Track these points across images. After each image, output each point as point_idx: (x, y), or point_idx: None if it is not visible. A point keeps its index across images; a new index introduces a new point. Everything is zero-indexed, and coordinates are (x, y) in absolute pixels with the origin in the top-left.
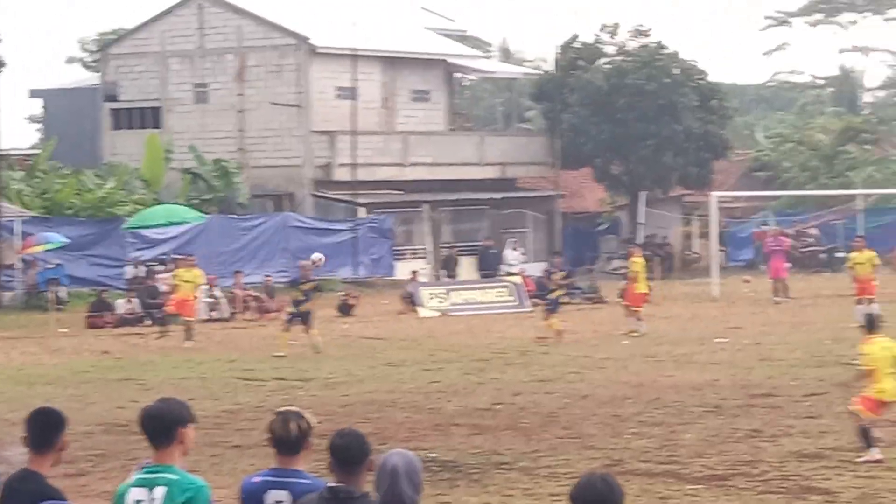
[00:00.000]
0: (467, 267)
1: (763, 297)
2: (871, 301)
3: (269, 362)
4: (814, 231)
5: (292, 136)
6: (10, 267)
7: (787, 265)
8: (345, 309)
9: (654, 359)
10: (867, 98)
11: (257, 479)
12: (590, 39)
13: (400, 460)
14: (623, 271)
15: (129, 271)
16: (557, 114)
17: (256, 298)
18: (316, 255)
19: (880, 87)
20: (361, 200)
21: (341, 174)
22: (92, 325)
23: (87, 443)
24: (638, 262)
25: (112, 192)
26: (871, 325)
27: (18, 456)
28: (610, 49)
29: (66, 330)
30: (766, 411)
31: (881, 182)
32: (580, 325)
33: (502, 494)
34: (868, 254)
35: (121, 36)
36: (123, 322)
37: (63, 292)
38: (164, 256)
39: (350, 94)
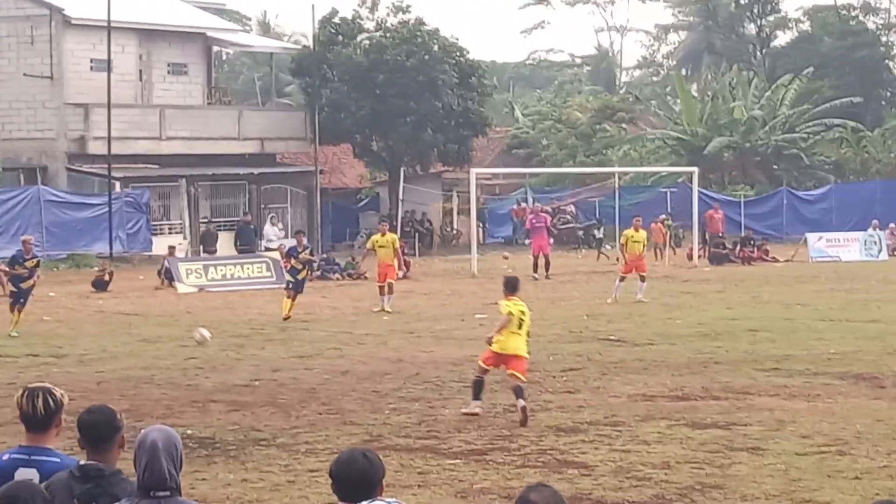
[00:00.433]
0: (226, 242)
1: (522, 273)
2: (643, 278)
3: (20, 338)
4: (571, 208)
5: (45, 108)
6: None
7: (550, 241)
8: (100, 284)
9: (414, 335)
10: (624, 77)
11: (6, 457)
12: (349, 15)
13: (159, 436)
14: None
15: None
16: (317, 89)
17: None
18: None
19: (636, 67)
20: (117, 174)
21: (96, 147)
22: None
23: None
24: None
25: None
26: (513, 287)
27: None
28: (369, 25)
29: None
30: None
31: (637, 160)
32: (340, 300)
33: (261, 471)
34: (644, 233)
35: None
36: None
37: None
38: None
39: (105, 66)
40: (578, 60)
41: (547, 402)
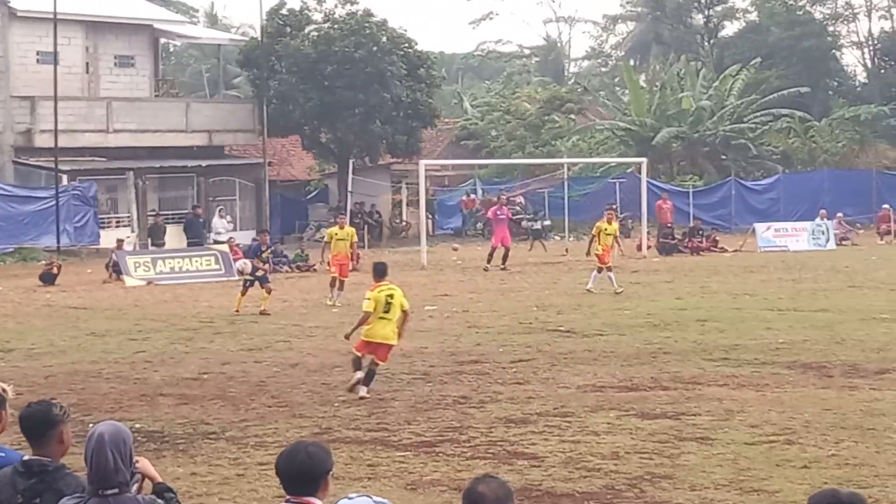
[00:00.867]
0: (174, 235)
1: (471, 264)
2: (609, 268)
3: None
4: (520, 199)
5: None
6: None
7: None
8: (48, 278)
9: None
10: (572, 68)
11: None
12: (297, 6)
13: (106, 430)
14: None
15: None
16: (265, 81)
17: None
18: None
19: (585, 58)
20: (64, 167)
21: (43, 140)
22: None
23: None
24: (349, 231)
25: None
26: (381, 272)
27: None
28: (317, 16)
29: None
30: (474, 378)
31: (585, 151)
32: (289, 293)
33: (210, 464)
34: (616, 225)
35: None
36: None
37: None
38: None
39: (51, 58)
40: (527, 51)
41: (496, 393)
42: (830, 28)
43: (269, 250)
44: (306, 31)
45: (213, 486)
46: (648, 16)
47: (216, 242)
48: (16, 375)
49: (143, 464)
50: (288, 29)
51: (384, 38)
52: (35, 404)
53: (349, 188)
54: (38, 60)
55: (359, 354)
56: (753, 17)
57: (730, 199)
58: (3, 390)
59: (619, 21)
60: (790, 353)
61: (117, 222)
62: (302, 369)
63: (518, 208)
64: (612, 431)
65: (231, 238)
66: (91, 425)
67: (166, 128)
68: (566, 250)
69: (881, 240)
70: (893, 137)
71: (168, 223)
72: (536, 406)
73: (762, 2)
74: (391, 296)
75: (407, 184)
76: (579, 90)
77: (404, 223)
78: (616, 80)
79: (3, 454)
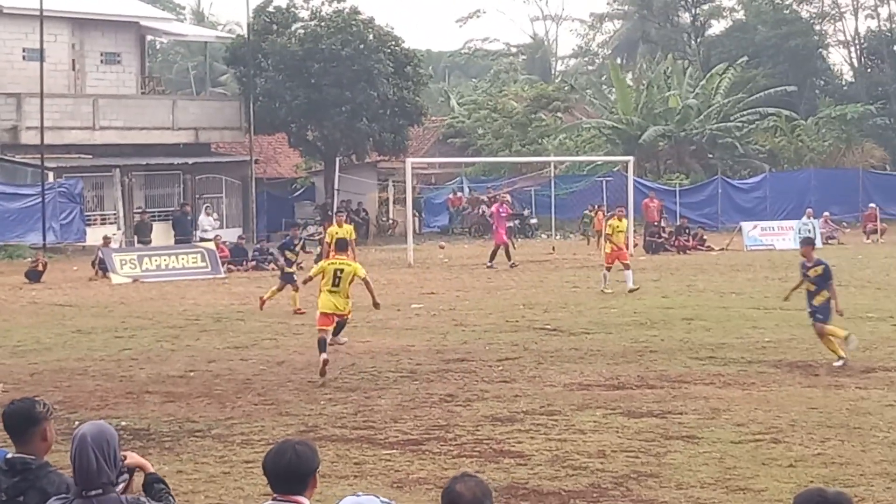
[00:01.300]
0: (161, 232)
1: (458, 262)
2: (626, 266)
3: None
4: (507, 198)
5: None
6: None
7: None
8: (33, 275)
9: (350, 325)
10: (559, 66)
11: None
12: (284, 4)
13: (90, 430)
14: (320, 237)
15: None
16: (251, 79)
17: None
18: None
19: (571, 56)
20: (50, 165)
21: (29, 137)
22: None
23: None
24: (347, 229)
25: None
26: (340, 247)
27: None
28: (304, 14)
29: None
30: (460, 376)
31: (572, 149)
32: None
33: (196, 462)
34: (626, 222)
35: None
36: None
37: None
38: None
39: (38, 55)
40: (514, 49)
41: (483, 391)
42: (817, 27)
43: (301, 243)
44: (293, 28)
45: (200, 483)
46: (635, 14)
47: (202, 240)
48: (1, 373)
49: (132, 457)
50: (275, 26)
51: (371, 36)
52: (18, 402)
53: (336, 186)
54: (24, 57)
55: (324, 331)
56: (740, 15)
57: (716, 197)
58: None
59: (607, 19)
60: (776, 351)
61: (103, 220)
62: (288, 367)
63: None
64: (599, 430)
65: (217, 236)
66: (77, 423)
67: (153, 125)
68: (553, 248)
69: (867, 239)
70: (880, 136)
71: (154, 220)
72: (523, 404)
73: (749, 0)
74: (341, 269)
75: (394, 182)
76: (566, 88)
77: (391, 221)
78: (603, 78)
79: None
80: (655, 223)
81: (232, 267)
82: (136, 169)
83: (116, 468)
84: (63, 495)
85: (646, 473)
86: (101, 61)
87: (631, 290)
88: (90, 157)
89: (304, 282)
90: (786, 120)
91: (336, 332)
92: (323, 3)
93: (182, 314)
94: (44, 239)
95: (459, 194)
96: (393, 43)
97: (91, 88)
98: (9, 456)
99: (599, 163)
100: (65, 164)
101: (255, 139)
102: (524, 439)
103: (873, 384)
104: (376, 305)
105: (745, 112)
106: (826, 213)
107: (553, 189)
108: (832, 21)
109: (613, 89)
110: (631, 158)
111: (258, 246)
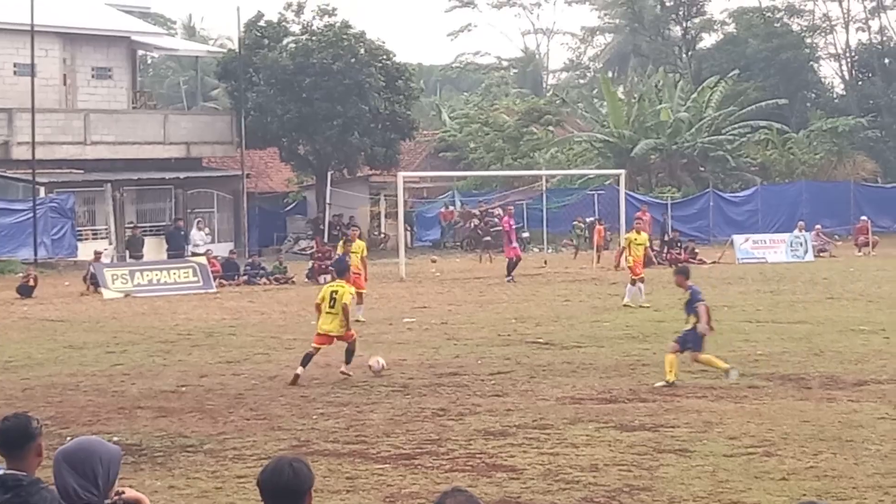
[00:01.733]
0: (153, 247)
1: (450, 276)
2: (641, 279)
3: None
4: (499, 211)
5: None
6: None
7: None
8: (25, 290)
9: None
10: (550, 80)
11: None
12: (275, 18)
13: (69, 447)
14: (311, 251)
15: None
16: (243, 93)
17: None
18: None
19: (563, 69)
20: (42, 180)
21: (20, 153)
22: None
23: None
24: (359, 245)
25: None
26: (338, 272)
27: None
28: (295, 28)
29: None
30: (452, 390)
31: (564, 163)
32: (267, 305)
33: (188, 477)
34: (645, 235)
35: None
36: None
37: None
38: None
39: (29, 70)
40: (505, 63)
41: (475, 405)
42: (808, 40)
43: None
44: (284, 43)
45: (192, 499)
46: (627, 28)
47: (194, 254)
48: None
49: (131, 492)
50: (266, 41)
51: (362, 50)
52: (13, 417)
53: (327, 200)
54: (15, 72)
55: (313, 349)
56: (731, 29)
57: (708, 210)
58: None
59: (598, 33)
60: (768, 364)
61: (95, 234)
62: (280, 382)
63: (496, 220)
64: (591, 443)
65: (209, 250)
66: (68, 438)
67: (144, 140)
68: (545, 262)
69: (859, 251)
70: (871, 149)
71: (146, 235)
72: (515, 418)
73: (740, 14)
74: (336, 292)
75: (385, 196)
76: (557, 102)
77: (383, 235)
78: (594, 91)
79: None
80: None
81: (223, 282)
82: (127, 184)
83: (102, 488)
84: None
85: (638, 487)
86: (93, 76)
87: (625, 305)
88: (81, 171)
89: (318, 312)
90: (777, 133)
91: (347, 360)
92: (314, 18)
93: (174, 329)
94: (35, 254)
95: (451, 208)
96: (384, 57)
97: (82, 103)
98: (1, 473)
99: (591, 176)
100: (56, 179)
101: (247, 153)
102: (516, 453)
103: (865, 397)
104: (347, 331)
105: (736, 125)
106: (818, 226)
107: (545, 203)
108: (823, 34)
109: (605, 103)
110: (622, 172)
111: (250, 260)
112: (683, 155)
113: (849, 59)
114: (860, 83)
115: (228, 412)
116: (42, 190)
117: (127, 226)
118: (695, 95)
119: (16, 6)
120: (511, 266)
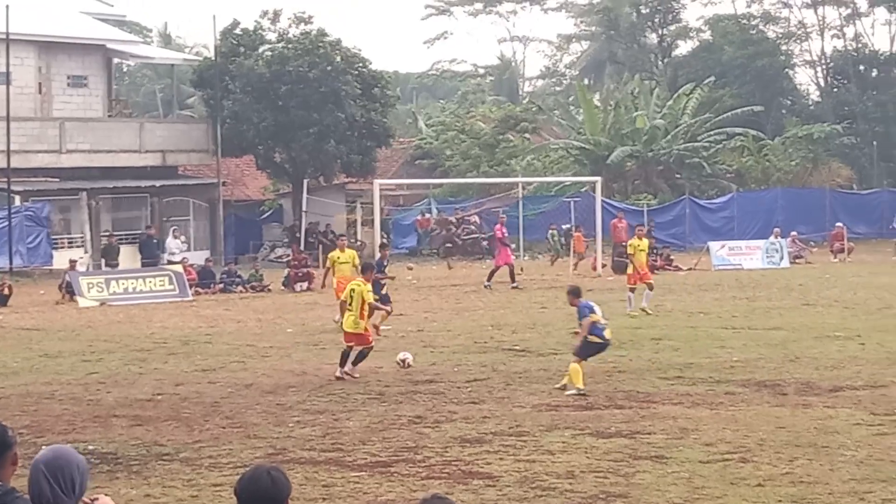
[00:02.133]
0: (128, 255)
1: (426, 284)
2: (650, 287)
3: None
4: (475, 219)
5: None
6: None
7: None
8: (0, 299)
9: (318, 347)
10: (527, 87)
11: None
12: (251, 26)
13: (45, 455)
14: (288, 259)
15: None
16: (219, 101)
17: None
18: None
19: (539, 77)
20: (17, 188)
21: None
22: None
23: None
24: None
25: None
26: (363, 269)
27: None
28: (271, 36)
29: None
30: (428, 397)
31: (540, 170)
32: (243, 313)
33: (164, 486)
34: (647, 241)
35: None
36: None
37: None
38: None
39: (3, 79)
40: (481, 70)
41: (451, 412)
42: (783, 47)
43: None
44: (260, 50)
45: None
46: (602, 35)
47: (170, 263)
48: None
49: (104, 500)
50: (242, 49)
51: (338, 58)
52: None
53: (304, 208)
54: None
55: (347, 347)
56: (707, 36)
57: (684, 217)
58: None
59: (574, 40)
60: (744, 371)
61: (70, 243)
62: (256, 390)
63: (473, 227)
64: (567, 450)
65: (185, 258)
66: (43, 447)
67: (120, 148)
68: (521, 269)
69: (834, 258)
70: (846, 156)
71: (122, 244)
72: (491, 425)
73: (716, 21)
74: (353, 290)
75: (362, 203)
76: (534, 109)
77: (359, 243)
78: (570, 98)
79: None
80: (623, 243)
81: (199, 290)
82: (102, 192)
83: (75, 496)
84: None
85: (614, 494)
86: (68, 84)
87: (642, 309)
88: (57, 180)
89: (341, 310)
90: (753, 140)
91: (356, 361)
92: (290, 25)
93: (149, 337)
94: (10, 263)
95: (428, 216)
96: (360, 65)
97: (57, 111)
98: None
99: (567, 183)
100: (31, 187)
101: (223, 161)
102: (493, 460)
103: (841, 403)
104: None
105: (712, 132)
106: (793, 233)
107: (521, 210)
108: (798, 41)
109: (581, 110)
110: (599, 179)
111: (226, 268)
112: (659, 162)
113: (824, 66)
114: (835, 90)
115: (204, 420)
116: (17, 198)
117: (102, 234)
118: (671, 102)
119: None
120: (492, 273)
